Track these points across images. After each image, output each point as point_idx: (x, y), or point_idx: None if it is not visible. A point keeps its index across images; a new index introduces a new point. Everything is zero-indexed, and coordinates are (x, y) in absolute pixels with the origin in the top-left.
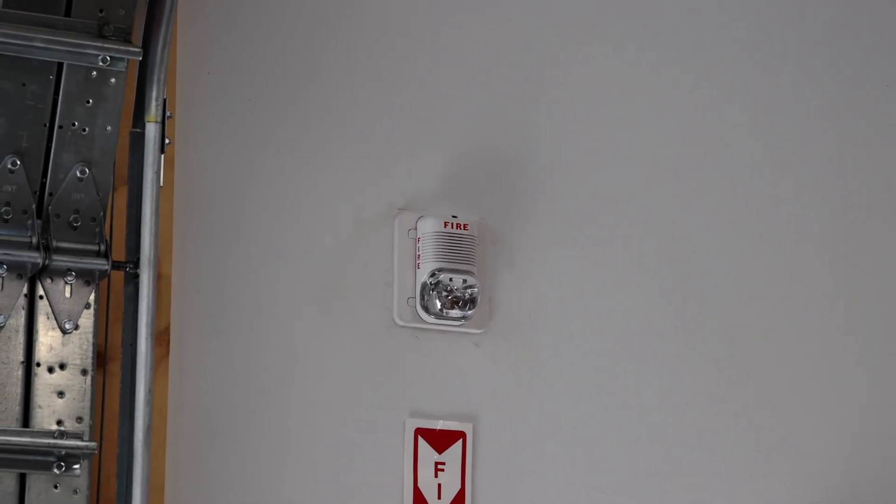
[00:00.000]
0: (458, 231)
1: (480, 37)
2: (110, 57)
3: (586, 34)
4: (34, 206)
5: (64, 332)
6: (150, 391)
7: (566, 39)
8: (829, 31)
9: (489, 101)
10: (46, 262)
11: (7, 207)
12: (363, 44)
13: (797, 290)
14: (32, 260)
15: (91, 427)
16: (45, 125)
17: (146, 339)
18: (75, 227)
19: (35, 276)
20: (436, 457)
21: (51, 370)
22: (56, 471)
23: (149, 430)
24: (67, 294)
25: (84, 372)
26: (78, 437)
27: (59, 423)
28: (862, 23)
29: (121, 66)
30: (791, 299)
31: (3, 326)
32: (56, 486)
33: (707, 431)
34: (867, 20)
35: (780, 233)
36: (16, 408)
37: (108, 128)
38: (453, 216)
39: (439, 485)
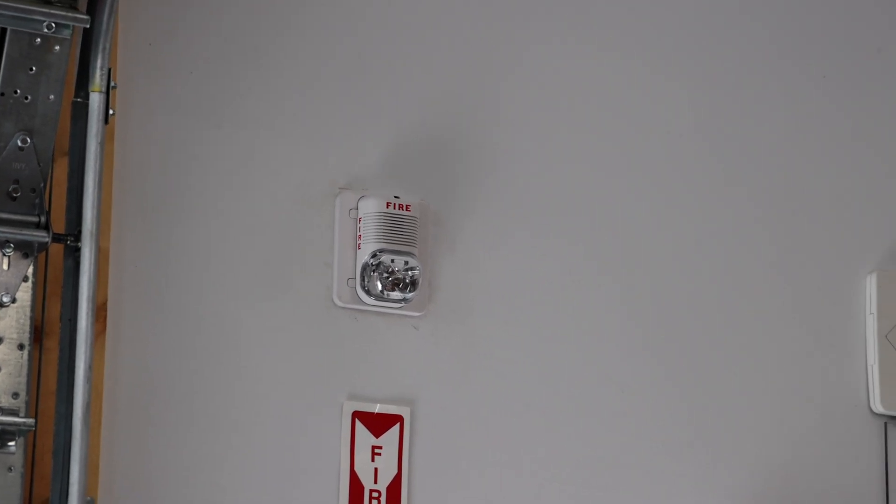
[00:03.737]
0: (401, 212)
1: (428, 16)
2: (55, 24)
3: (536, 17)
4: None
5: (1, 305)
6: (90, 368)
7: (515, 22)
8: (772, 19)
9: (434, 82)
10: None
11: None
12: (308, 20)
13: (740, 278)
14: None
15: (27, 403)
16: None
17: (87, 314)
18: (14, 198)
19: None
20: (373, 440)
21: None
22: None
23: (88, 407)
24: (5, 266)
25: (21, 346)
26: (14, 413)
27: None
28: (801, 12)
29: (66, 34)
30: (733, 288)
31: None
32: None
33: (647, 419)
34: (807, 8)
35: (724, 222)
36: None
37: (52, 96)
38: (395, 197)
39: (376, 469)
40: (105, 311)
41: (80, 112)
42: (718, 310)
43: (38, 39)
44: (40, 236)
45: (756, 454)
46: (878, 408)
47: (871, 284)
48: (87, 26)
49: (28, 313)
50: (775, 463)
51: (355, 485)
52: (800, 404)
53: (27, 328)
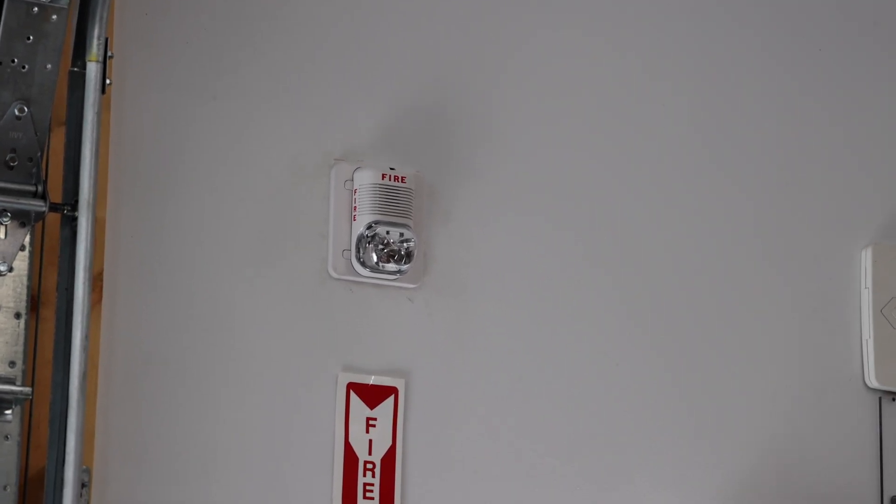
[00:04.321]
0: (396, 183)
1: None
2: None
3: None
4: None
5: None
6: (87, 337)
7: None
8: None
9: (431, 54)
10: None
11: None
12: None
13: (734, 253)
14: None
15: (24, 372)
16: None
17: (84, 283)
18: (11, 167)
19: None
20: (367, 412)
21: None
22: None
23: (84, 376)
24: (2, 235)
25: (18, 315)
26: (11, 381)
27: None
28: None
29: (63, 3)
30: (728, 262)
31: None
32: None
33: (641, 393)
34: None
35: (717, 196)
36: None
37: (49, 66)
38: (391, 168)
39: (370, 440)
40: (101, 280)
41: (77, 81)
42: (712, 285)
43: (36, 8)
44: (37, 205)
45: (750, 429)
46: (873, 382)
47: (866, 259)
48: None
49: (25, 282)
50: (770, 437)
51: (350, 456)
52: (794, 379)
53: (24, 297)
